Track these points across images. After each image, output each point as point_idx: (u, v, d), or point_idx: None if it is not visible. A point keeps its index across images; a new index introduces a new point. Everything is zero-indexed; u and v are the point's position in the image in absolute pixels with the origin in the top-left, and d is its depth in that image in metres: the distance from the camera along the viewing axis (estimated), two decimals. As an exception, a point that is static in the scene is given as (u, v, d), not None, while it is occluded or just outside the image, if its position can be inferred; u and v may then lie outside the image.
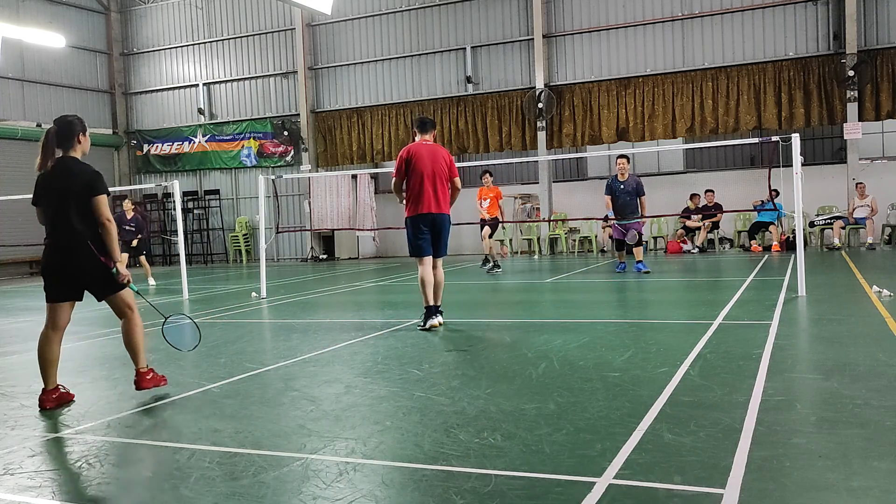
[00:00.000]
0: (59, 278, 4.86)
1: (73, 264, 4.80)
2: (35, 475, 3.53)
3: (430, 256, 7.53)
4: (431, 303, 7.43)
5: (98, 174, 4.86)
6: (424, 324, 7.38)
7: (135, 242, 15.02)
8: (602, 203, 18.92)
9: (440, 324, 7.42)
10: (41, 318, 5.00)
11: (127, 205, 15.54)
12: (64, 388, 4.96)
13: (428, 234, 7.49)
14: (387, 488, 3.17)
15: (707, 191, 18.30)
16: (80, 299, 5.01)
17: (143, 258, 15.69)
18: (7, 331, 8.85)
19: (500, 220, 14.44)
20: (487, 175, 14.28)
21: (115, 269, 4.84)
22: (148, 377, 5.03)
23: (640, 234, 12.95)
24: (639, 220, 12.88)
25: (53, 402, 4.85)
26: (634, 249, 12.89)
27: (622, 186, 12.80)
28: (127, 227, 14.80)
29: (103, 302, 4.97)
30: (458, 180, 7.68)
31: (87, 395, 5.19)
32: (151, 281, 15.15)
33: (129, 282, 4.93)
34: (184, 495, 3.22)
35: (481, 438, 3.73)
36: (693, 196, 18.63)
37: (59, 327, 4.94)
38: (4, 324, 9.64)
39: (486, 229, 14.19)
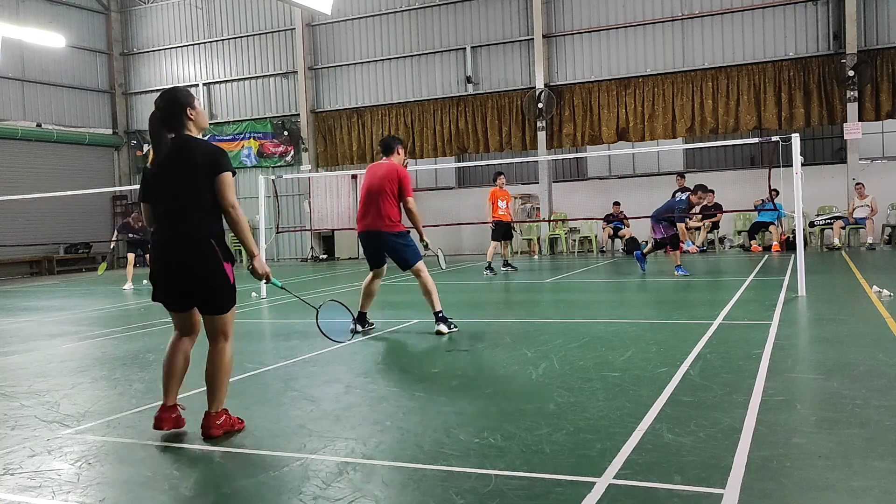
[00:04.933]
0: (165, 282, 3.95)
1: (183, 264, 3.87)
2: (35, 475, 3.52)
3: (374, 269, 7.42)
4: (361, 309, 7.46)
5: (221, 150, 3.99)
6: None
7: None
8: (600, 204, 19.24)
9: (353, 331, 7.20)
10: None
11: None
12: (183, 407, 4.14)
13: (367, 249, 7.44)
14: (387, 488, 3.17)
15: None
16: (197, 307, 4.04)
17: None
18: (7, 331, 8.83)
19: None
20: (502, 177, 14.37)
21: (250, 267, 4.06)
22: (218, 422, 3.99)
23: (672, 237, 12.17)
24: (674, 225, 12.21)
25: (171, 423, 4.03)
26: (673, 253, 12.17)
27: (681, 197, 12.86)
28: None
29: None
30: (409, 200, 7.22)
31: (87, 395, 5.19)
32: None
33: (268, 278, 4.16)
34: (184, 495, 3.22)
35: (481, 438, 3.73)
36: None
37: (184, 333, 4.11)
38: (4, 324, 9.62)
39: (502, 237, 14.36)
